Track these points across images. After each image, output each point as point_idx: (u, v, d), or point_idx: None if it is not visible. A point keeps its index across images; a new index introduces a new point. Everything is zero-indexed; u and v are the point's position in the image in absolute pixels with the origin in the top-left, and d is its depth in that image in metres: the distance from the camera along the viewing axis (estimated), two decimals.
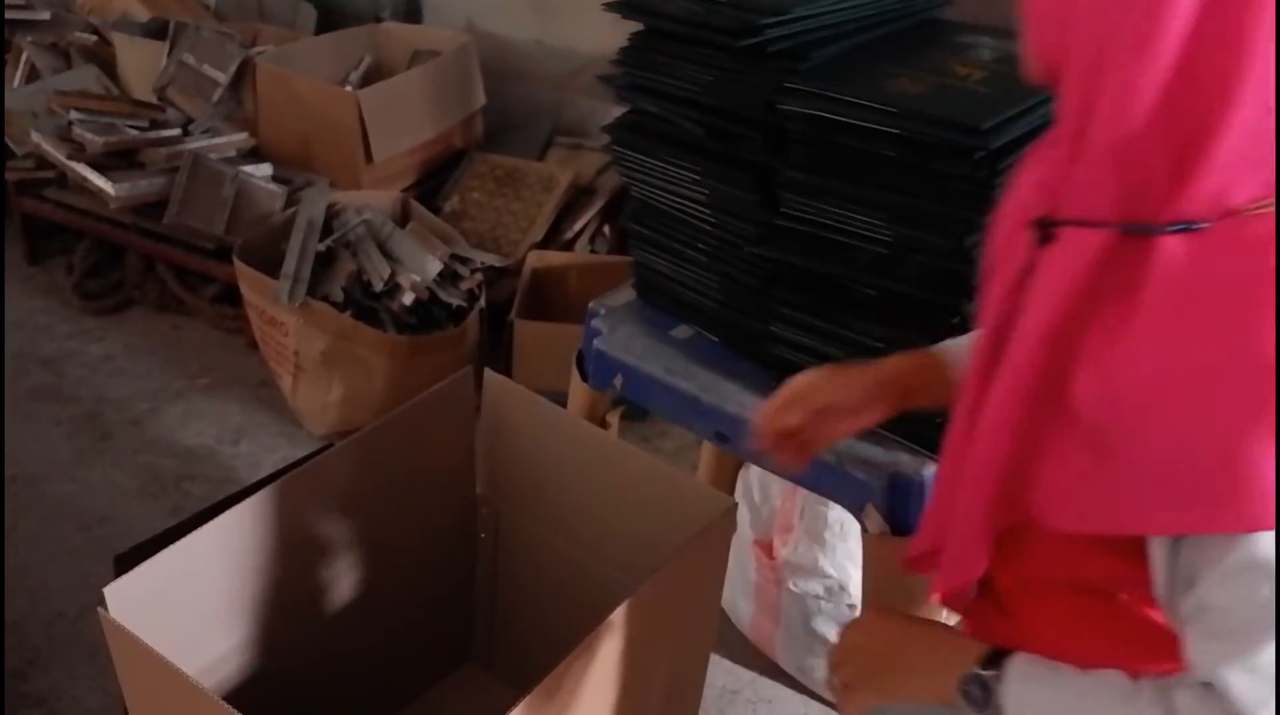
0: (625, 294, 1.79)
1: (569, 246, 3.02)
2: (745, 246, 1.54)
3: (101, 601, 1.26)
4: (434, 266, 2.63)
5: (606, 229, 3.04)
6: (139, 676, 1.31)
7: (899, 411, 1.19)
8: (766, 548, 2.01)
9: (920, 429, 1.46)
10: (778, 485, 1.98)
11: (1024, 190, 0.96)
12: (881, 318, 1.47)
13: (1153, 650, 0.91)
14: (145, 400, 2.79)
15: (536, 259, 2.89)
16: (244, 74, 3.18)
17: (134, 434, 2.67)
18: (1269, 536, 0.76)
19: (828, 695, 1.98)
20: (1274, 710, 0.78)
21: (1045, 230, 0.87)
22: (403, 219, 2.88)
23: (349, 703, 1.75)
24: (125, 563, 1.36)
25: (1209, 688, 0.81)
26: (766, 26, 1.46)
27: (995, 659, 0.93)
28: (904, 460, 1.46)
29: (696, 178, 1.57)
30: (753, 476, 2.06)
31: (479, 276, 2.74)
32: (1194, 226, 0.78)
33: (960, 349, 1.17)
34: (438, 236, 2.79)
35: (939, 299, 1.41)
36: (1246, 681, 0.79)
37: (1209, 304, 0.77)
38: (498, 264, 2.84)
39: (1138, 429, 0.80)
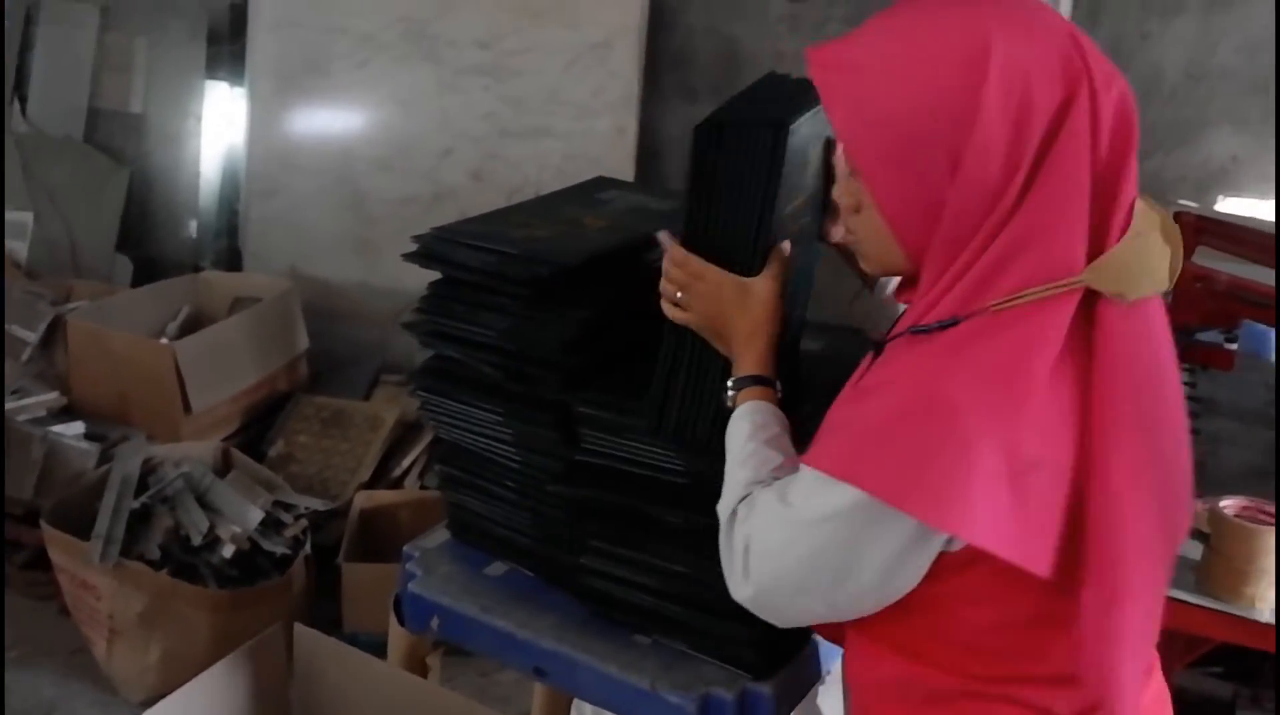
0: (440, 535, 1.81)
1: (398, 484, 3.03)
2: (548, 484, 1.59)
3: None
4: (255, 516, 2.60)
5: (436, 465, 3.06)
6: None
7: None
8: None
9: (735, 649, 1.50)
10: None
11: None
12: (689, 545, 1.51)
13: None
14: None
15: (365, 499, 2.88)
16: (55, 331, 3.15)
17: None
18: None
19: None
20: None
21: (879, 346, 1.23)
22: (224, 468, 2.84)
23: None
24: None
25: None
26: (554, 277, 1.55)
27: (742, 384, 1.30)
28: (717, 678, 1.49)
29: (500, 418, 1.62)
30: (586, 707, 2.05)
31: (303, 522, 2.71)
32: (947, 324, 1.10)
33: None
34: (260, 484, 2.77)
35: None
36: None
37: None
38: (322, 508, 2.82)
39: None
